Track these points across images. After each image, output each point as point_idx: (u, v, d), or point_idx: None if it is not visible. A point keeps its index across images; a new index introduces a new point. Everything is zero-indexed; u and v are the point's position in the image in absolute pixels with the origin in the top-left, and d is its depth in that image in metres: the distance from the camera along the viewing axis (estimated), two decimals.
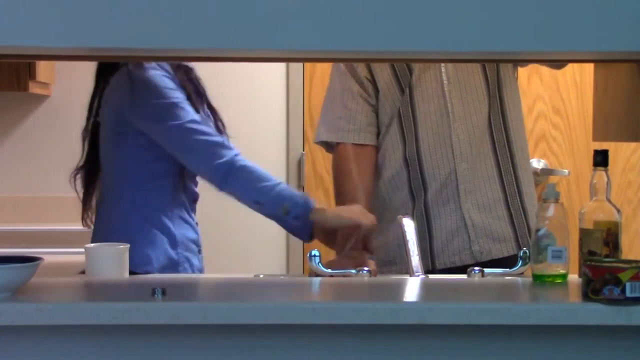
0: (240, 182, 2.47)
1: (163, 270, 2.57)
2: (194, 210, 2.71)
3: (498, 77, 2.67)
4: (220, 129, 2.67)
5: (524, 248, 2.34)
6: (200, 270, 2.69)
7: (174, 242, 2.62)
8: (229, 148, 2.50)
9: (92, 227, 2.70)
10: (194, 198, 2.71)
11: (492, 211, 2.66)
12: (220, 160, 2.47)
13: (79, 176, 2.72)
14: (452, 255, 2.64)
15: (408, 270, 2.56)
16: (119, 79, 2.60)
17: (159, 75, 2.54)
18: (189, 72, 2.67)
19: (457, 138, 2.64)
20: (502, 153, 2.67)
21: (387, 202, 2.71)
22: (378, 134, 2.75)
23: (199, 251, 2.71)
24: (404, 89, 2.67)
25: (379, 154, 2.74)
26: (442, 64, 2.64)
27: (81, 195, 2.72)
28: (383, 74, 2.68)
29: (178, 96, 2.54)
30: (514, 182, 2.68)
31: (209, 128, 2.54)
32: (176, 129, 2.51)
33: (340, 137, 2.75)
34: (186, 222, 2.66)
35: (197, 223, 2.72)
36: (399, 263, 2.66)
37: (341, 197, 2.70)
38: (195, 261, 2.67)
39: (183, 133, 2.51)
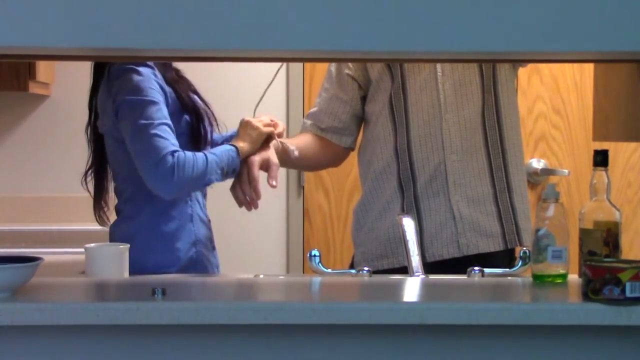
0: (185, 181, 2.46)
1: (183, 270, 2.57)
2: (205, 206, 2.72)
3: (494, 74, 2.68)
4: (211, 124, 2.69)
5: (524, 248, 2.34)
6: (218, 267, 2.70)
7: (194, 242, 2.62)
8: (173, 153, 2.46)
9: (109, 227, 2.70)
10: (204, 193, 2.72)
11: (480, 206, 2.66)
12: (166, 166, 2.44)
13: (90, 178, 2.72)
14: (440, 247, 2.64)
15: (399, 263, 2.58)
16: (103, 87, 2.61)
17: (138, 74, 2.53)
18: (178, 71, 2.68)
19: (448, 130, 2.65)
20: (494, 149, 2.68)
21: (376, 195, 2.72)
22: (352, 138, 2.81)
23: (213, 248, 2.71)
24: (395, 79, 2.67)
25: (368, 148, 2.75)
26: None
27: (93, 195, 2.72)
28: (376, 64, 2.70)
29: (154, 96, 2.51)
30: (504, 179, 2.69)
31: (171, 135, 2.50)
32: (141, 127, 2.47)
33: (302, 130, 2.84)
34: (201, 219, 2.66)
35: (209, 220, 2.72)
36: (390, 256, 2.67)
37: None
38: (212, 259, 2.68)
39: (144, 132, 2.46)
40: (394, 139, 2.69)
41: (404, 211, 2.65)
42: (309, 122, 2.82)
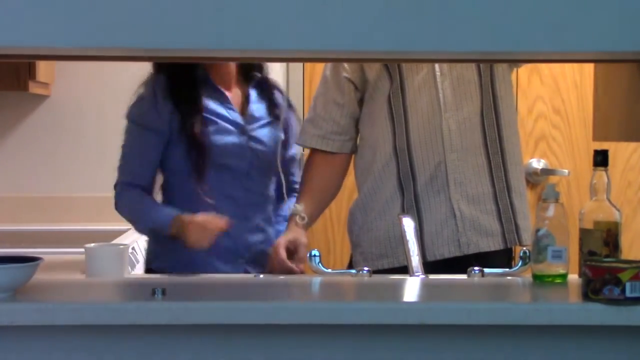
0: (122, 213, 2.69)
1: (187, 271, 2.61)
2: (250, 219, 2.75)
3: (491, 73, 2.68)
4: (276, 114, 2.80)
5: (524, 248, 2.34)
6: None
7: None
8: (117, 185, 2.70)
9: None
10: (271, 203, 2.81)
11: (480, 205, 2.66)
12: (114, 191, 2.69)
13: None
14: (440, 246, 2.64)
15: (399, 263, 2.58)
16: None
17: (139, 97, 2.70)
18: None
19: (448, 129, 2.65)
20: (493, 148, 2.68)
21: (375, 195, 2.72)
22: (353, 142, 2.78)
23: (241, 261, 2.73)
24: (393, 79, 2.67)
25: (366, 150, 2.75)
26: None
27: None
28: (374, 64, 2.69)
29: (140, 121, 2.68)
30: (504, 178, 2.68)
31: (136, 164, 2.69)
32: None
33: (303, 140, 2.81)
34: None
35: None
36: (390, 256, 2.67)
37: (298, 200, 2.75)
38: (227, 270, 2.70)
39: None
40: (393, 139, 2.68)
41: (404, 210, 2.65)
42: (310, 131, 2.78)
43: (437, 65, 2.66)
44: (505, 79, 2.72)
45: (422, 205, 2.66)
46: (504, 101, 2.70)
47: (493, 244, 2.66)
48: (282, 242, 2.59)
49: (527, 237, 2.68)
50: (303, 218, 2.66)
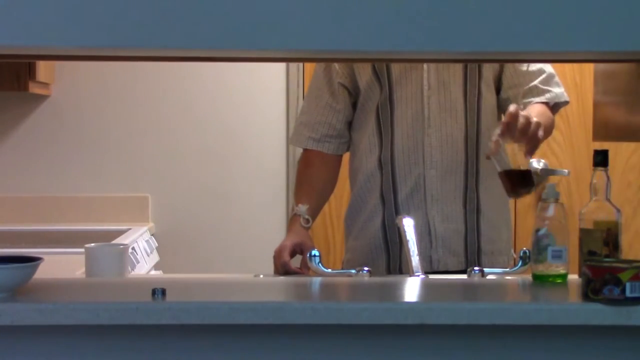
0: None
1: None
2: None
3: (479, 92, 2.66)
4: None
5: (525, 248, 2.33)
6: None
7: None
8: None
9: None
10: None
11: (452, 224, 2.66)
12: None
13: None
14: None
15: (379, 274, 2.59)
16: None
17: None
18: None
19: (430, 145, 2.64)
20: (471, 169, 2.67)
21: (362, 205, 2.72)
22: (347, 143, 2.78)
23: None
24: (383, 89, 2.66)
25: (356, 156, 2.75)
26: (425, 69, 2.63)
27: None
28: (365, 72, 2.68)
29: None
30: (475, 200, 2.67)
31: None
32: None
33: (299, 142, 2.81)
34: None
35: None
36: (369, 266, 2.65)
37: (295, 199, 2.76)
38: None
39: None
40: (379, 150, 2.68)
41: (385, 224, 2.65)
42: (305, 133, 2.78)
43: (425, 80, 2.65)
44: (492, 108, 2.71)
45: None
46: (486, 128, 2.69)
47: (458, 264, 2.66)
48: (287, 245, 2.59)
49: (491, 261, 2.67)
50: (307, 221, 2.66)
